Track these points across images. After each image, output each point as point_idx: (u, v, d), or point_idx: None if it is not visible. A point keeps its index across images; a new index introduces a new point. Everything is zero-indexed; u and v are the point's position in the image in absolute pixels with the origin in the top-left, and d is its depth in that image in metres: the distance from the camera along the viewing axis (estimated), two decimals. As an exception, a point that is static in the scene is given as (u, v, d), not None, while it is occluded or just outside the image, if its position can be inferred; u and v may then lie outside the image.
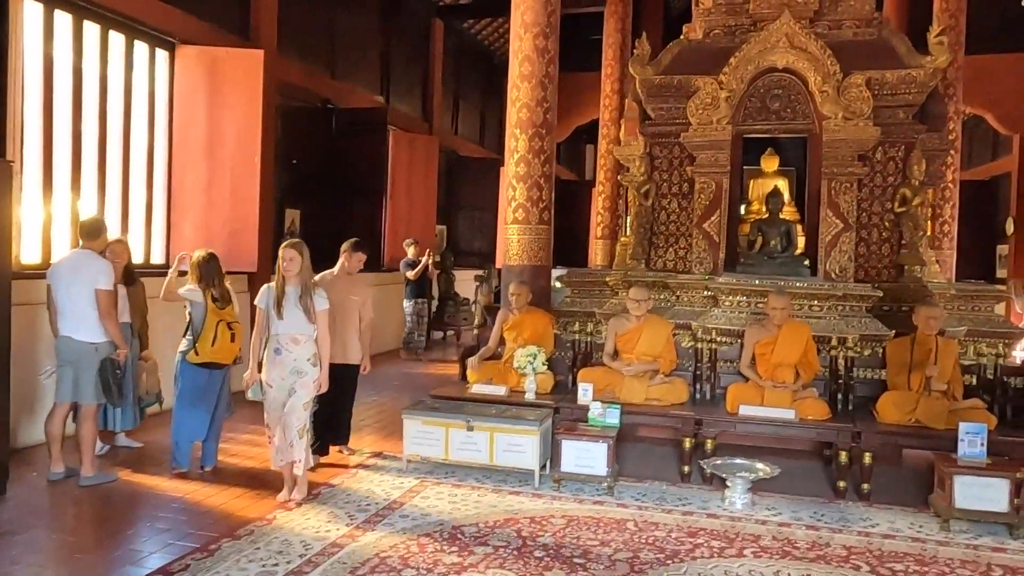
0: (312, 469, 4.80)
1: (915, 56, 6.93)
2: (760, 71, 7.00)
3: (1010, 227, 13.94)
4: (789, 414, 4.77)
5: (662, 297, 7.34)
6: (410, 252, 9.92)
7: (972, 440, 4.25)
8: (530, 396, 5.33)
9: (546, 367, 5.37)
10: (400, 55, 11.50)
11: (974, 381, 5.60)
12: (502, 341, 6.00)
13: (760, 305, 6.56)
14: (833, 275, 6.89)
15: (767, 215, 7.23)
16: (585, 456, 4.65)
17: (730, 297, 6.62)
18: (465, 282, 13.00)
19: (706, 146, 7.13)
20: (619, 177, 8.11)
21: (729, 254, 7.27)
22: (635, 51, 7.62)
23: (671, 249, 7.68)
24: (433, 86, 12.17)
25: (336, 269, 5.47)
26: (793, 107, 7.20)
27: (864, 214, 7.08)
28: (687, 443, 4.92)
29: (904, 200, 6.90)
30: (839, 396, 5.30)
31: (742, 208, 7.99)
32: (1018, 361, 8.52)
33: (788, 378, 5.10)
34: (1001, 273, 14.15)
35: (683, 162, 7.49)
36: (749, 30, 7.42)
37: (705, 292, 6.86)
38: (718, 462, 4.66)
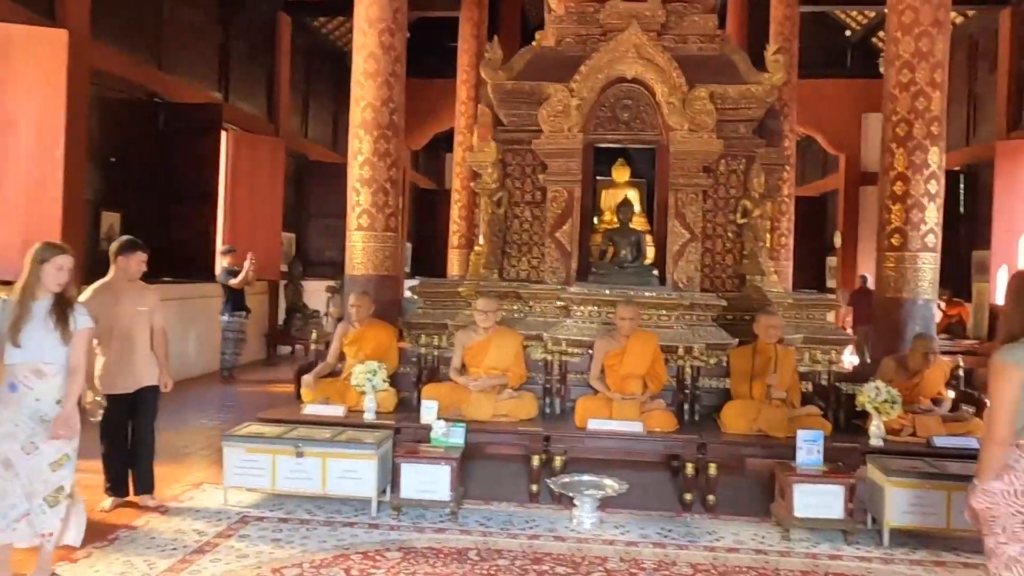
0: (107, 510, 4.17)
1: (754, 73, 7.15)
2: (610, 80, 6.98)
3: (838, 240, 14.98)
4: (637, 427, 4.66)
5: (515, 308, 7.15)
6: (226, 261, 8.98)
7: (809, 448, 4.28)
8: (370, 416, 4.92)
9: (387, 384, 4.98)
10: (241, 50, 10.73)
11: (810, 388, 5.78)
12: (342, 357, 5.54)
13: (611, 315, 6.49)
14: (680, 285, 6.95)
15: (618, 225, 7.22)
16: (427, 480, 4.30)
17: (581, 307, 6.51)
18: (316, 293, 12.33)
19: (557, 154, 7.02)
20: (472, 184, 7.86)
21: (582, 264, 7.18)
22: (486, 55, 7.42)
23: (524, 258, 7.51)
24: (279, 86, 11.46)
25: (111, 276, 4.46)
26: (642, 118, 7.23)
27: (709, 225, 7.22)
28: (535, 460, 4.69)
29: (745, 212, 7.09)
30: (685, 407, 5.26)
31: (595, 218, 7.98)
32: (848, 367, 9.07)
33: (637, 390, 5.00)
34: (831, 283, 15.18)
35: (536, 170, 7.34)
36: (600, 40, 7.40)
37: (558, 303, 6.73)
38: (566, 480, 4.46)
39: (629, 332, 5.08)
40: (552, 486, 4.38)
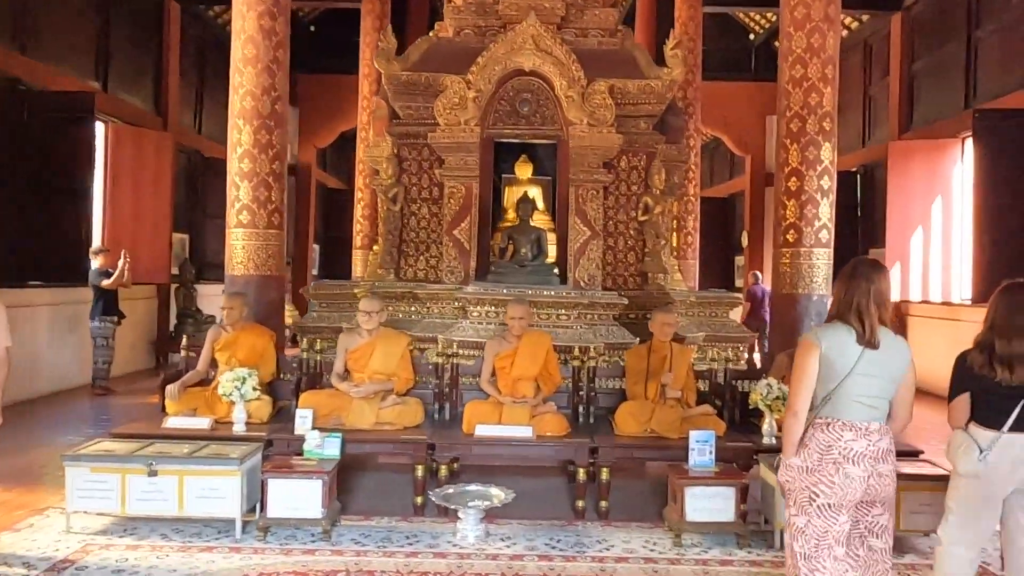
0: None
1: (654, 68, 7.05)
2: (507, 73, 6.75)
3: (744, 240, 15.23)
4: (526, 432, 4.41)
5: (413, 309, 6.83)
6: (98, 261, 8.20)
7: (701, 449, 4.13)
8: (239, 428, 4.51)
9: (258, 392, 4.58)
10: (123, 38, 10.00)
11: (708, 387, 5.68)
12: (215, 364, 5.10)
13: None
14: (582, 283, 6.79)
15: (518, 222, 7.00)
16: (296, 497, 3.93)
17: (478, 308, 6.25)
18: (212, 298, 11.64)
19: (454, 148, 6.74)
20: (369, 181, 7.50)
21: (482, 263, 6.93)
22: (379, 44, 7.08)
23: (422, 258, 7.20)
24: (168, 77, 10.77)
25: None
26: (542, 112, 7.04)
27: (611, 222, 7.08)
28: (419, 471, 4.38)
29: (647, 209, 6.99)
30: (580, 409, 5.05)
31: (501, 217, 7.74)
32: (753, 364, 9.13)
33: (528, 392, 4.75)
34: (739, 282, 15.43)
35: (433, 165, 7.05)
36: (498, 31, 7.16)
37: (456, 303, 6.45)
38: (449, 491, 4.17)
39: (520, 332, 4.83)
40: (434, 498, 4.09)
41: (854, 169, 11.72)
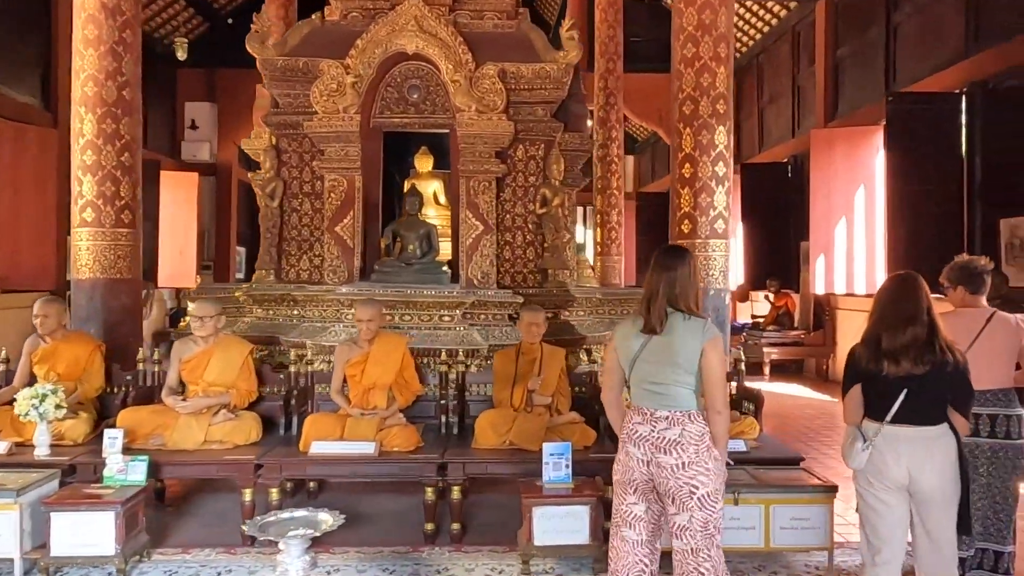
0: None
1: (551, 51, 6.62)
2: (389, 56, 6.27)
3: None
4: (368, 448, 3.93)
5: (295, 313, 6.32)
6: None
7: (556, 462, 3.70)
8: (42, 452, 3.96)
9: (63, 410, 4.03)
10: (4, 27, 9.32)
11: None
12: (35, 379, 4.53)
13: (387, 318, 5.78)
14: (475, 281, 6.33)
15: (405, 217, 6.52)
16: (86, 531, 3.41)
17: (353, 311, 5.76)
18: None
19: (333, 138, 6.24)
20: (250, 175, 6.97)
21: (369, 262, 6.45)
22: (253, 27, 6.55)
23: (305, 257, 6.68)
24: (58, 71, 10.07)
25: None
26: (433, 100, 6.57)
27: (508, 216, 6.64)
28: (247, 495, 3.88)
29: (544, 201, 6.55)
30: (443, 419, 4.58)
31: (401, 212, 7.26)
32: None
33: (381, 402, 4.28)
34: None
35: (315, 157, 6.54)
36: (388, 13, 6.68)
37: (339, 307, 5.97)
38: (270, 519, 3.66)
39: (370, 336, 4.35)
40: (247, 528, 3.59)
41: (785, 160, 11.45)
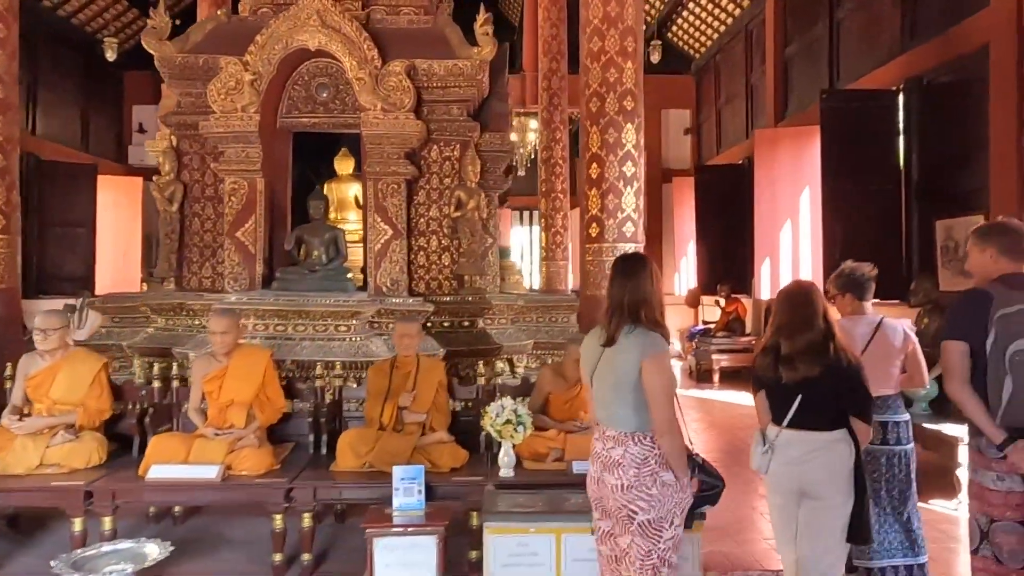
0: None
1: (466, 48, 6.33)
2: (290, 52, 5.95)
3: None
4: (210, 472, 3.60)
5: (194, 323, 5.98)
6: None
7: (408, 487, 3.39)
8: None
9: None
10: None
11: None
12: None
13: (279, 329, 5.48)
14: (384, 288, 6.03)
15: (310, 221, 6.20)
16: None
17: (245, 321, 5.43)
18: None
19: (231, 138, 5.91)
20: (154, 179, 6.64)
21: (277, 268, 6.12)
22: (150, 23, 6.24)
23: (208, 264, 6.35)
24: (-18, 71, 9.73)
25: None
26: (343, 98, 6.26)
27: (422, 220, 6.33)
28: (77, 524, 3.56)
29: (459, 204, 6.25)
30: (316, 436, 4.26)
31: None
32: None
33: (239, 421, 3.96)
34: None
35: (218, 159, 6.23)
36: (298, 9, 6.38)
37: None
38: (89, 553, 3.33)
39: (227, 349, 4.03)
40: (54, 567, 3.26)
41: (740, 162, 11.19)
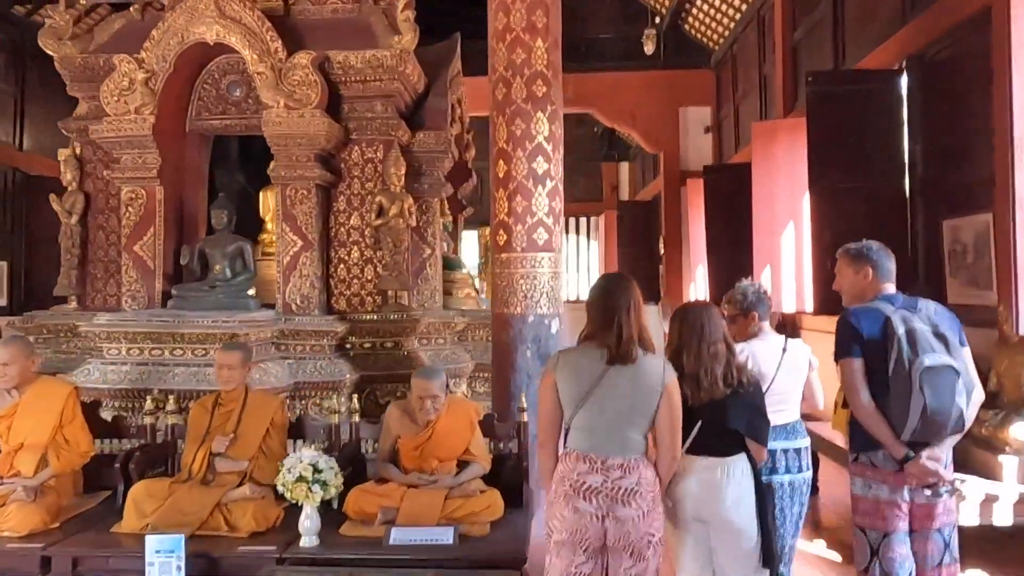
0: None
1: (390, 37, 5.68)
2: (188, 47, 5.42)
3: (662, 247, 13.73)
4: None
5: (84, 346, 5.49)
6: None
7: (164, 562, 2.72)
8: None
9: None
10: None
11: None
12: None
13: (154, 353, 4.90)
14: (294, 306, 5.42)
15: (213, 232, 5.64)
16: None
17: (115, 344, 4.90)
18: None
19: (125, 143, 5.42)
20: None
21: (177, 284, 5.58)
22: (48, 22, 5.81)
23: (112, 280, 5.85)
24: None
25: None
26: (255, 96, 5.67)
27: (341, 229, 5.70)
28: None
29: (380, 210, 5.59)
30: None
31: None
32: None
33: (27, 468, 3.35)
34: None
35: (112, 166, 5.72)
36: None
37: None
38: None
39: (13, 383, 3.44)
40: None
41: (749, 161, 10.15)
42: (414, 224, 5.84)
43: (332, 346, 5.35)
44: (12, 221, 10.94)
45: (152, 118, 5.35)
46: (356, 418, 3.83)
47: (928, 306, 2.76)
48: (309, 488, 2.83)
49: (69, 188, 5.79)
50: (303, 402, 5.22)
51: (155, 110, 5.36)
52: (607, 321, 2.50)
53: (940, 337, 2.64)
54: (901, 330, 2.61)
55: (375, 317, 5.54)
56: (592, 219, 18.73)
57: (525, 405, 3.75)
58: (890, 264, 2.88)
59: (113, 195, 5.81)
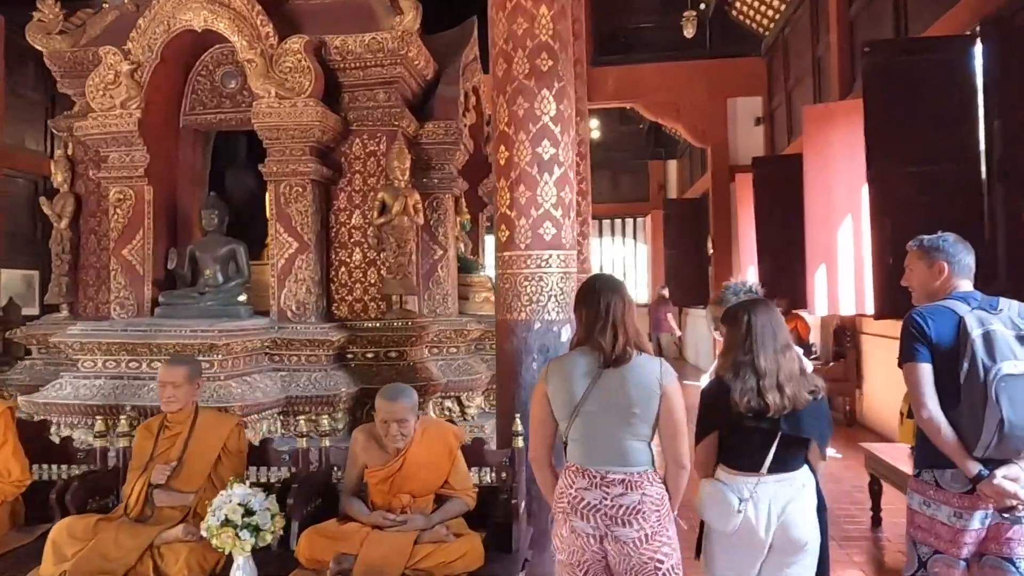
0: None
1: (392, 18, 5.20)
2: (175, 35, 5.04)
3: (710, 247, 12.97)
4: None
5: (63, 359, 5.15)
6: None
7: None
8: None
9: None
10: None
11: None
12: None
13: (132, 366, 4.51)
14: (289, 313, 4.98)
15: (204, 235, 5.23)
16: None
17: (89, 356, 4.52)
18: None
19: (111, 140, 5.07)
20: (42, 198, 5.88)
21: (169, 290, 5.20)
22: (36, 16, 5.52)
23: (104, 287, 5.50)
24: (-10, 94, 9.61)
25: None
26: (251, 89, 5.28)
27: (343, 229, 5.24)
28: None
29: (383, 208, 5.10)
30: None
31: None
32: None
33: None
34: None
35: (100, 166, 5.38)
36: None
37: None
38: None
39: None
40: None
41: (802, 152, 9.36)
42: (421, 222, 5.34)
43: (330, 357, 4.89)
44: (43, 230, 10.89)
45: (138, 112, 4.98)
46: (326, 442, 3.31)
47: (1012, 306, 2.45)
48: (237, 534, 2.33)
49: (60, 190, 5.47)
50: (296, 418, 4.77)
51: (142, 104, 5.00)
52: (599, 323, 2.35)
53: None
54: (977, 332, 2.34)
55: (377, 324, 5.07)
56: (639, 220, 18.00)
57: (520, 428, 3.19)
58: (968, 259, 2.59)
59: (105, 197, 5.46)
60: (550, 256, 3.89)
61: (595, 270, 17.47)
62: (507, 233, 3.93)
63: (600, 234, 18.11)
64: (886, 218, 5.21)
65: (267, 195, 5.85)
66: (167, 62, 5.09)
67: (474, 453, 3.16)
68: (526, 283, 3.87)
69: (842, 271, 7.03)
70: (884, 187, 5.24)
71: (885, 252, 5.16)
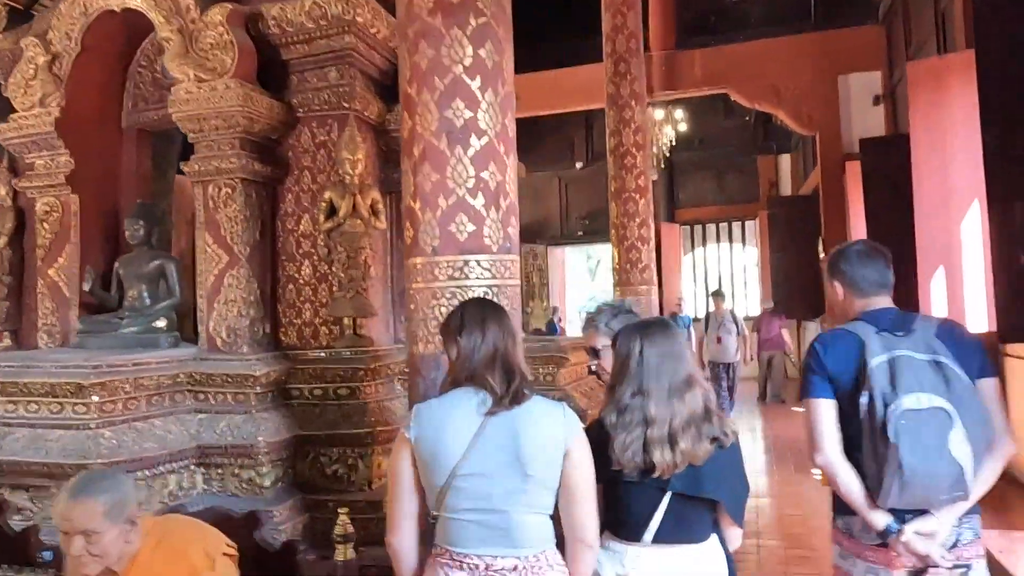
0: None
1: (346, -18, 4.24)
2: (93, 18, 4.34)
3: (820, 249, 11.14)
4: None
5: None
6: None
7: None
8: None
9: None
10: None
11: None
12: None
13: (33, 407, 3.75)
14: (219, 341, 4.10)
15: (131, 249, 4.46)
16: None
17: (-36, 396, 3.81)
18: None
19: (31, 144, 4.44)
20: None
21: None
22: (-23, 11, 5.01)
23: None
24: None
25: None
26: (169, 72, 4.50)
27: (290, 237, 4.33)
28: None
29: (332, 210, 4.14)
30: None
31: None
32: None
33: None
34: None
35: (22, 174, 4.76)
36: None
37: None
38: None
39: None
40: None
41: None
42: (383, 226, 4.32)
43: (259, 395, 3.95)
44: None
45: (57, 111, 4.31)
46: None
47: (930, 325, 2.09)
48: None
49: (2, 205, 4.91)
50: (220, 471, 3.88)
51: (62, 101, 4.32)
52: (487, 357, 1.93)
53: (939, 368, 1.98)
54: (877, 360, 2.01)
55: (322, 355, 4.09)
56: (747, 223, 16.16)
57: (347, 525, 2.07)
58: (873, 272, 2.21)
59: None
60: (467, 263, 2.73)
61: (693, 283, 15.81)
62: (411, 233, 2.82)
63: (704, 241, 16.43)
64: (1011, 202, 3.65)
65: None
66: (90, 51, 4.39)
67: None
68: (434, 302, 2.74)
69: (968, 276, 5.35)
70: (1005, 163, 3.68)
71: (1005, 236, 3.61)
